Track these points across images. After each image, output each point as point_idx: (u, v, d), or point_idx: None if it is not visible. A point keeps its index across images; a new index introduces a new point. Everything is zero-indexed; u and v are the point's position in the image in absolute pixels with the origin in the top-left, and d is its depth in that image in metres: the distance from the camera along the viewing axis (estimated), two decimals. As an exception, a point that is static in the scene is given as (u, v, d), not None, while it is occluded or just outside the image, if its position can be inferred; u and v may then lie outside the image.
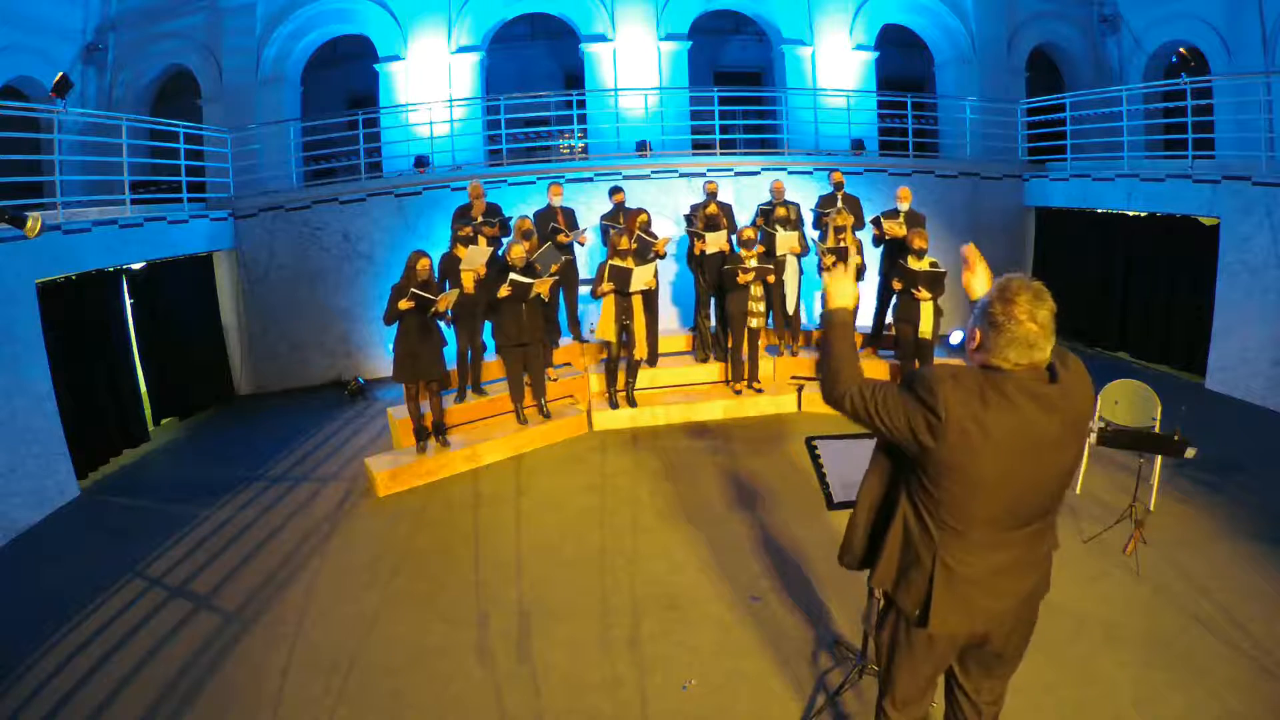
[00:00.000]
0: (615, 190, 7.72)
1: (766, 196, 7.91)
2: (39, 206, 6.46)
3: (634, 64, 10.47)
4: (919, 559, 1.97)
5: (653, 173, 9.11)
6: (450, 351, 6.06)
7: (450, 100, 9.87)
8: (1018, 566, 1.95)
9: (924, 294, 6.26)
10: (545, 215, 7.30)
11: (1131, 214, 8.25)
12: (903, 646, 2.09)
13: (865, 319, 7.45)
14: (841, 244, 6.64)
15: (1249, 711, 3.03)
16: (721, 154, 9.55)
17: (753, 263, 6.59)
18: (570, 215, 7.43)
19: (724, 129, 9.91)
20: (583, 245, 7.62)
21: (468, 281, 6.09)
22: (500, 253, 6.34)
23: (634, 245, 6.45)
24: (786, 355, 7.63)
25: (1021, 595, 1.98)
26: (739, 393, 7.09)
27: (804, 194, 8.68)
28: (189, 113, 9.56)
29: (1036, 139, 9.91)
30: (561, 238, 7.16)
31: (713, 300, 7.36)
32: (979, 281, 2.11)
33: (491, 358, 6.81)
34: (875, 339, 7.56)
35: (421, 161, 9.38)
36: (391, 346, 5.75)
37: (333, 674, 3.56)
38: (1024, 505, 1.90)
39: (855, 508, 2.22)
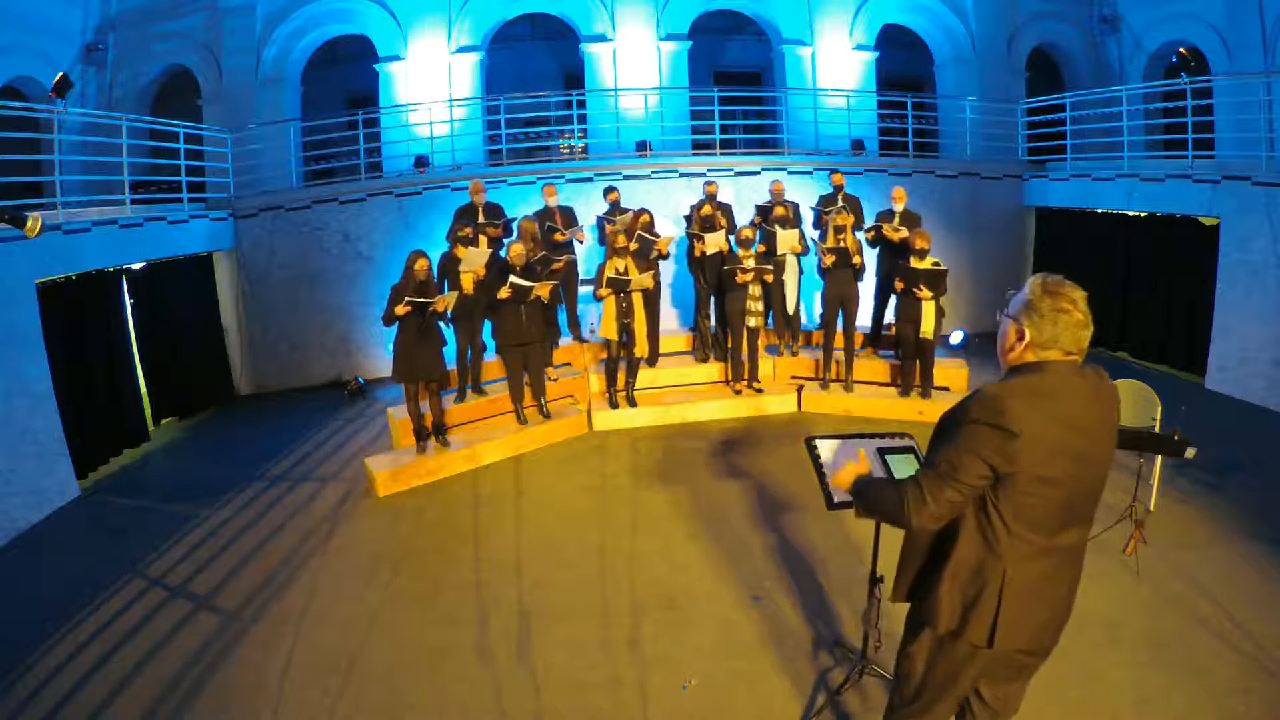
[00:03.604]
0: (609, 190, 7.69)
1: (767, 196, 7.89)
2: (39, 206, 6.45)
3: (634, 64, 10.46)
4: (986, 583, 1.89)
5: (652, 173, 9.11)
6: (450, 351, 6.06)
7: (450, 100, 9.87)
8: (1062, 574, 1.93)
9: (925, 293, 6.26)
10: (541, 216, 7.28)
11: (1131, 214, 8.25)
12: (941, 671, 2.00)
13: (865, 319, 7.45)
14: (841, 243, 6.64)
15: (1249, 711, 3.03)
16: (721, 154, 9.55)
17: (751, 262, 6.59)
18: (569, 214, 7.41)
19: (724, 129, 9.90)
20: (581, 243, 7.61)
21: (466, 283, 6.09)
22: (501, 253, 6.34)
23: (635, 245, 6.44)
24: (786, 355, 7.62)
25: (1067, 604, 1.97)
26: (739, 393, 7.09)
27: (804, 194, 8.67)
28: (189, 113, 9.56)
29: (1036, 139, 9.90)
30: (558, 236, 7.16)
31: (712, 300, 7.35)
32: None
33: (491, 358, 6.81)
34: (875, 339, 7.55)
35: (421, 161, 9.38)
36: (391, 346, 5.76)
37: (333, 674, 3.56)
38: (1074, 502, 1.88)
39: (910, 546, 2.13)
